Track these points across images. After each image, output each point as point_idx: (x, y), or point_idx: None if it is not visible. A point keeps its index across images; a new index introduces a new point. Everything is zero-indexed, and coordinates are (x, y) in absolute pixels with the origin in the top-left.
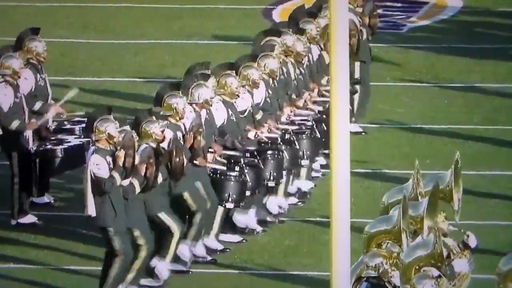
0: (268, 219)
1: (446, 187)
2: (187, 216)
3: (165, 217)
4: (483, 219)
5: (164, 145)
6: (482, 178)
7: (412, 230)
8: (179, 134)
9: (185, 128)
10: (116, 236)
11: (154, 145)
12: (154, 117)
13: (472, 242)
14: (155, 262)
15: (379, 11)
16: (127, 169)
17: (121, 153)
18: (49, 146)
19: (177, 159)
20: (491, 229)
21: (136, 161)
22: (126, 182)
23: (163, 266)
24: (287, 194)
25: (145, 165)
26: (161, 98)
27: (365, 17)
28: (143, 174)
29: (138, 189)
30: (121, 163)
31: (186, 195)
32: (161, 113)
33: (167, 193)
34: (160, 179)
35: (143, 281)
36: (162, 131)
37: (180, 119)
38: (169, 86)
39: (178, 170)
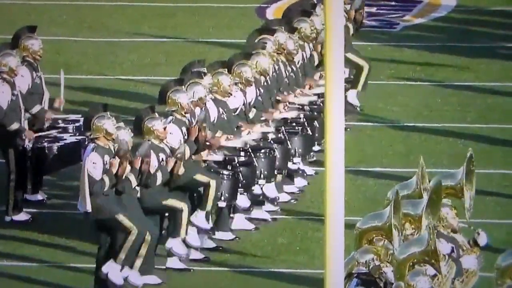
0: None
1: (458, 184)
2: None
3: (171, 201)
4: (477, 217)
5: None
6: (476, 176)
7: (416, 227)
8: (184, 129)
9: (189, 123)
10: (124, 217)
11: (156, 142)
12: (156, 114)
13: (482, 240)
14: (170, 243)
15: (373, 9)
16: (119, 177)
17: (115, 161)
18: (45, 144)
19: (176, 172)
20: (485, 226)
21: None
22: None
23: (177, 244)
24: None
25: (140, 159)
26: (165, 94)
27: (350, 12)
28: (138, 168)
29: (134, 183)
30: (114, 171)
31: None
32: (166, 109)
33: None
34: (159, 180)
35: (145, 279)
36: (165, 128)
37: (185, 113)
38: (173, 82)
39: (174, 182)
